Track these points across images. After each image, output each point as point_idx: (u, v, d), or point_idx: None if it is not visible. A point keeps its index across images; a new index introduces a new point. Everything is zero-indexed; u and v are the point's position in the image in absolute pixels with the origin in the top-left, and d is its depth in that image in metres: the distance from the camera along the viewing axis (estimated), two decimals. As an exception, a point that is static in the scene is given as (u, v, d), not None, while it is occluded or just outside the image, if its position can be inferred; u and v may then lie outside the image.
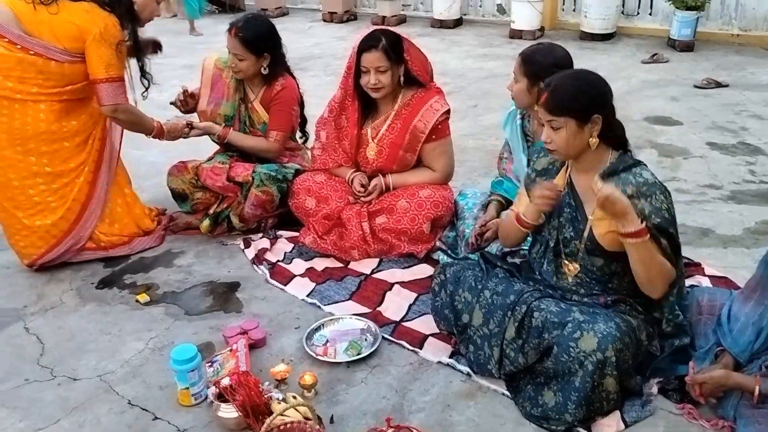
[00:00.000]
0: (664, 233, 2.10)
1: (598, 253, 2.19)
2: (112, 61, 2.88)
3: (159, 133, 3.25)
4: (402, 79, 3.05)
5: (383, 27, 3.09)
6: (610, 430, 2.09)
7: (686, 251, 3.01)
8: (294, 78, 3.42)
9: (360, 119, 3.15)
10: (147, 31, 3.33)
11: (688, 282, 2.75)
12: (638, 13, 7.60)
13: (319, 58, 6.96)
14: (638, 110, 5.01)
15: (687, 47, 6.77)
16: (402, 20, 8.50)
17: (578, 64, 2.71)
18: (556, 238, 2.28)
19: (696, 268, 2.91)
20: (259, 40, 3.22)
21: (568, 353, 2.06)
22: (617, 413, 2.12)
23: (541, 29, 7.62)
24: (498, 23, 8.14)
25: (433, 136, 3.09)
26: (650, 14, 7.54)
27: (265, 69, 3.28)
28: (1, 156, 2.90)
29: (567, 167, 2.26)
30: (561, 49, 2.71)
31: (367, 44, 2.96)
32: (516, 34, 7.53)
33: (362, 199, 3.13)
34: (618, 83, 5.74)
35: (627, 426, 2.10)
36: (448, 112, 3.12)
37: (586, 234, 2.19)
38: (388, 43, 2.94)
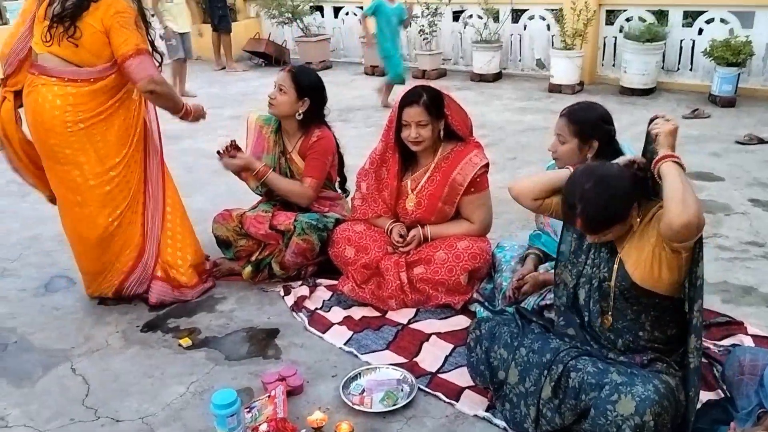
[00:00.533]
0: None
1: (632, 298, 2.17)
2: (134, 36, 2.91)
3: (186, 113, 3.23)
4: (442, 133, 3.13)
5: (425, 83, 3.19)
6: (648, 490, 2.06)
7: (728, 310, 3.00)
8: (330, 130, 3.53)
9: (400, 171, 3.23)
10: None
11: (729, 341, 2.73)
12: (678, 69, 7.63)
13: (360, 110, 7.13)
14: (678, 165, 4.99)
15: (728, 103, 6.75)
16: (442, 74, 8.67)
17: (618, 119, 2.77)
18: (589, 288, 2.28)
19: (738, 326, 2.87)
20: (306, 82, 3.38)
21: (605, 416, 2.03)
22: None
23: (581, 83, 7.69)
24: (537, 77, 8.25)
25: (472, 189, 3.14)
26: (691, 70, 7.55)
27: (299, 114, 3.39)
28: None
29: None
30: (600, 106, 2.77)
31: (408, 99, 3.05)
32: (555, 88, 7.61)
33: (401, 249, 3.18)
34: (658, 138, 5.73)
35: (666, 488, 2.07)
36: (486, 165, 3.17)
37: (615, 273, 2.18)
38: (429, 98, 3.04)
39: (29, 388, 2.69)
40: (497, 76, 8.39)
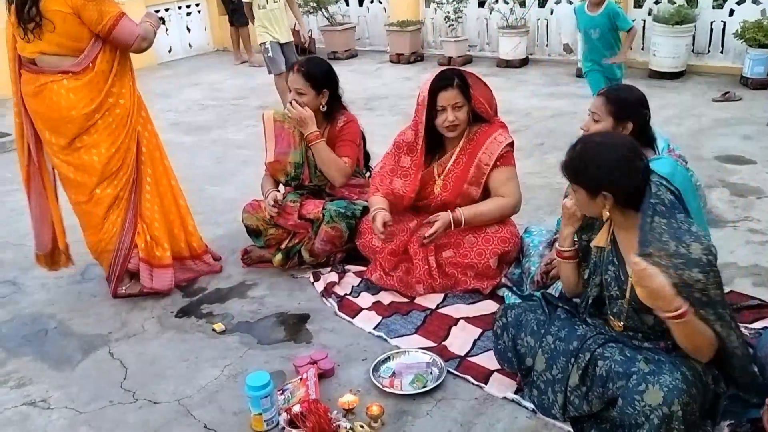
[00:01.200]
0: (702, 307, 2.01)
1: (644, 311, 2.15)
2: (105, 5, 2.96)
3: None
4: (470, 115, 3.14)
5: (450, 66, 3.18)
6: (679, 471, 2.06)
7: (760, 293, 2.97)
8: (349, 112, 3.55)
9: (426, 161, 3.23)
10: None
11: (760, 324, 2.71)
12: (709, 51, 7.50)
13: (386, 98, 7.14)
14: (709, 149, 4.93)
15: (760, 85, 6.62)
16: (468, 60, 8.63)
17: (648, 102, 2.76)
18: (597, 296, 2.30)
19: (770, 309, 2.85)
20: (320, 76, 3.38)
21: (633, 406, 2.03)
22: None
23: (609, 68, 7.59)
24: (564, 62, 8.17)
25: (498, 163, 3.12)
26: (721, 52, 7.41)
27: (323, 106, 3.42)
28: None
29: (610, 223, 2.25)
30: (638, 89, 2.77)
31: (442, 83, 3.04)
32: (583, 73, 7.52)
33: (425, 241, 3.12)
34: (689, 121, 5.67)
35: (697, 468, 2.07)
36: (511, 144, 3.17)
37: (628, 294, 2.18)
38: (460, 80, 3.05)
39: (69, 372, 2.78)
40: (524, 62, 8.33)
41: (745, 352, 2.14)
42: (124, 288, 3.32)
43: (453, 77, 3.04)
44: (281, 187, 3.62)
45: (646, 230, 2.06)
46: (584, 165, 2.12)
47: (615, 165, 2.08)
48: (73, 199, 3.27)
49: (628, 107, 2.68)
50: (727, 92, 6.41)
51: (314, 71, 3.37)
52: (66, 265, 3.48)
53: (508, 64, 8.26)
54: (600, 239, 2.28)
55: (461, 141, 3.17)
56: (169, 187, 3.37)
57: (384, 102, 6.96)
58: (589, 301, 2.34)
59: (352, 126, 3.49)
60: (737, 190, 4.18)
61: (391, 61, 8.97)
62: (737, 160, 4.73)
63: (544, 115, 6.16)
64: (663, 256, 2.01)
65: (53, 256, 3.43)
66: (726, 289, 2.95)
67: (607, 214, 2.13)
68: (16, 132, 3.26)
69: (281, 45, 6.48)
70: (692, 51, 7.45)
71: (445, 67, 3.20)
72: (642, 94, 2.75)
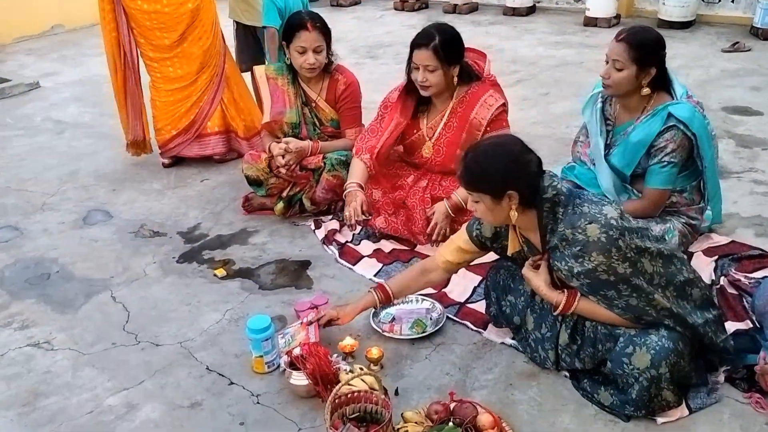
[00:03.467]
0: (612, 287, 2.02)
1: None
2: None
3: None
4: (456, 79, 3.00)
5: (443, 23, 3.06)
6: (673, 416, 2.09)
7: (762, 243, 2.98)
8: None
9: (413, 112, 3.15)
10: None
11: (760, 273, 2.71)
12: (719, 1, 7.33)
13: (390, 46, 7.03)
14: (716, 100, 4.87)
15: (771, 35, 6.50)
16: (474, 8, 8.46)
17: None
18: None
19: (770, 259, 2.85)
20: (324, 25, 3.32)
21: (622, 368, 2.05)
22: (682, 400, 2.12)
23: (617, 16, 7.45)
24: (572, 11, 8.01)
25: (489, 128, 3.01)
26: (732, 2, 7.25)
27: (326, 59, 3.37)
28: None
29: (515, 228, 2.21)
30: (656, 30, 2.72)
31: (419, 40, 2.95)
32: (591, 22, 7.39)
33: (433, 239, 3.07)
34: (696, 72, 5.58)
35: (691, 412, 2.10)
36: (503, 105, 3.05)
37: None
38: (441, 42, 2.89)
39: (72, 315, 2.81)
40: (530, 10, 8.16)
41: (695, 318, 2.07)
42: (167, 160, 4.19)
43: (433, 37, 2.90)
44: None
45: (545, 225, 2.08)
46: (482, 170, 2.07)
47: (513, 162, 2.04)
48: (164, 94, 4.01)
49: (651, 51, 2.62)
50: (737, 42, 6.29)
51: (320, 20, 3.31)
52: (148, 152, 4.23)
53: (514, 12, 8.10)
54: (512, 246, 2.25)
55: (451, 102, 3.07)
56: (233, 71, 4.17)
57: (388, 50, 6.85)
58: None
59: (353, 89, 3.45)
60: (743, 141, 4.15)
61: (395, 8, 8.79)
62: (744, 111, 4.67)
63: (550, 65, 6.06)
64: (565, 246, 2.02)
65: (144, 143, 4.19)
66: (727, 239, 2.99)
67: (515, 215, 2.07)
68: (110, 46, 3.90)
69: None
70: (702, 0, 7.29)
71: (437, 23, 3.06)
72: (659, 35, 2.70)
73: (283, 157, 3.30)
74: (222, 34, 4.07)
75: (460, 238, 2.39)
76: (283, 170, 3.32)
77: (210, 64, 3.98)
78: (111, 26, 3.86)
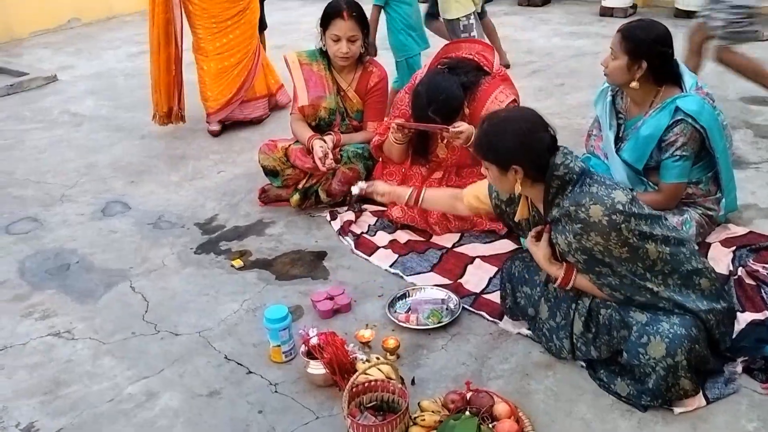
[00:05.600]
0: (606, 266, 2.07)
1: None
2: None
3: None
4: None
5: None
6: (690, 406, 2.09)
7: (780, 234, 2.95)
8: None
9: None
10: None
11: (778, 263, 2.70)
12: (738, -11, 7.23)
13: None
14: (734, 90, 4.81)
15: (791, 24, 6.41)
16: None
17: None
18: None
19: (789, 250, 2.83)
20: (361, 12, 3.33)
21: (638, 359, 2.05)
22: (699, 389, 2.11)
23: (633, 6, 7.37)
24: (588, 1, 7.94)
25: None
26: (752, -10, 7.15)
27: (362, 49, 3.39)
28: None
29: (526, 197, 2.25)
30: (661, 25, 2.70)
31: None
32: (607, 12, 7.32)
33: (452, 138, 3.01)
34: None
35: (709, 403, 2.10)
36: (514, 101, 3.06)
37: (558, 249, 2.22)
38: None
39: (92, 305, 2.85)
40: (546, 1, 8.10)
41: (699, 305, 2.07)
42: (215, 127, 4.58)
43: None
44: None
45: (551, 200, 2.11)
46: (491, 142, 2.12)
47: (520, 139, 2.07)
48: (216, 63, 4.38)
49: (643, 46, 2.62)
50: (756, 32, 6.21)
51: (358, 8, 3.34)
52: (177, 123, 4.58)
53: (529, 2, 8.03)
54: (521, 212, 2.28)
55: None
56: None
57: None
58: None
59: (383, 84, 3.47)
60: (761, 132, 4.10)
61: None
62: (762, 101, 4.62)
63: (566, 55, 6.02)
64: (567, 221, 2.05)
65: (177, 114, 4.53)
66: (745, 230, 2.97)
67: (519, 188, 2.12)
68: (158, 26, 4.25)
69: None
70: (721, -11, 7.20)
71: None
72: (663, 32, 2.67)
73: (326, 157, 3.24)
74: None
75: (482, 188, 2.48)
76: (323, 168, 3.26)
77: (255, 28, 4.47)
78: (162, 7, 4.19)
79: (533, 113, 2.17)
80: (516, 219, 2.32)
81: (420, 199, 2.70)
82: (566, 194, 2.07)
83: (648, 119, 2.71)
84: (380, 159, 3.39)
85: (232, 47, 4.41)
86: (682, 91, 2.70)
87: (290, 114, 3.57)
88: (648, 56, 2.63)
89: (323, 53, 3.43)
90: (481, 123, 2.20)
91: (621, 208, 1.98)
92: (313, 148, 3.28)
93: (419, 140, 3.18)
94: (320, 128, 3.46)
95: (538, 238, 2.25)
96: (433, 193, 2.67)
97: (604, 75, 2.79)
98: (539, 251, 2.22)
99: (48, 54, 7.10)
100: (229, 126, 4.65)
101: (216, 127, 4.54)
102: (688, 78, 2.73)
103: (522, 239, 3.00)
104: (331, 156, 3.25)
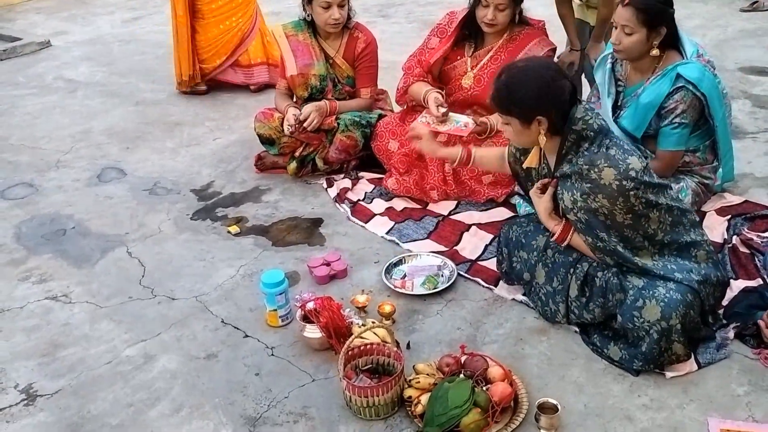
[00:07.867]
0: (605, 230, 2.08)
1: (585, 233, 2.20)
2: None
3: None
4: (518, 17, 3.11)
5: None
6: (682, 370, 2.11)
7: (778, 203, 2.96)
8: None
9: (459, 49, 3.22)
10: None
11: (773, 232, 2.71)
12: (740, -41, 7.15)
13: (402, 5, 6.93)
14: (733, 60, 4.79)
15: (792, -6, 6.35)
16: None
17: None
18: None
19: (784, 219, 2.84)
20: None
21: (632, 322, 2.06)
22: (691, 354, 2.14)
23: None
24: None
25: None
26: (753, -41, 7.07)
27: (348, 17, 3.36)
28: None
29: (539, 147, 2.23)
30: None
31: None
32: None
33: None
34: (714, 32, 5.49)
35: (700, 367, 2.12)
36: (552, 50, 3.15)
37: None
38: None
39: (89, 269, 2.85)
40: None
41: (692, 275, 2.09)
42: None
43: None
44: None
45: (565, 154, 2.10)
46: (512, 93, 2.07)
47: (544, 88, 2.04)
48: (212, 25, 4.47)
49: (659, 11, 2.58)
50: (756, 2, 6.16)
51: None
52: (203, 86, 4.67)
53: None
54: (531, 160, 2.26)
55: (501, 39, 3.16)
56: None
57: (400, 9, 6.77)
58: None
59: (372, 48, 3.43)
60: (759, 102, 4.10)
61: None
62: (761, 71, 4.60)
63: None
64: (577, 179, 2.05)
65: (197, 76, 4.59)
66: (741, 199, 2.98)
67: (544, 140, 2.09)
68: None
69: None
70: (722, -42, 7.11)
71: None
72: None
73: (304, 121, 3.25)
74: None
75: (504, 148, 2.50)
76: (296, 132, 3.28)
77: None
78: None
79: (551, 62, 2.16)
80: (524, 166, 2.31)
81: (471, 159, 2.59)
82: (581, 151, 2.06)
83: (649, 86, 2.69)
84: (405, 106, 3.40)
85: (229, 9, 4.45)
86: (682, 57, 2.68)
87: (276, 89, 3.57)
88: (666, 22, 2.61)
89: (308, 23, 3.41)
90: (497, 76, 2.13)
91: (634, 174, 1.98)
92: (286, 115, 3.32)
93: (470, 21, 3.16)
94: (313, 98, 3.43)
95: (543, 190, 2.25)
96: (483, 153, 2.59)
97: (616, 52, 2.72)
98: (541, 204, 2.23)
99: (41, 19, 7.01)
100: (224, 92, 4.62)
101: (204, 87, 4.64)
102: (688, 44, 2.71)
103: (518, 206, 3.01)
104: (295, 124, 3.25)
